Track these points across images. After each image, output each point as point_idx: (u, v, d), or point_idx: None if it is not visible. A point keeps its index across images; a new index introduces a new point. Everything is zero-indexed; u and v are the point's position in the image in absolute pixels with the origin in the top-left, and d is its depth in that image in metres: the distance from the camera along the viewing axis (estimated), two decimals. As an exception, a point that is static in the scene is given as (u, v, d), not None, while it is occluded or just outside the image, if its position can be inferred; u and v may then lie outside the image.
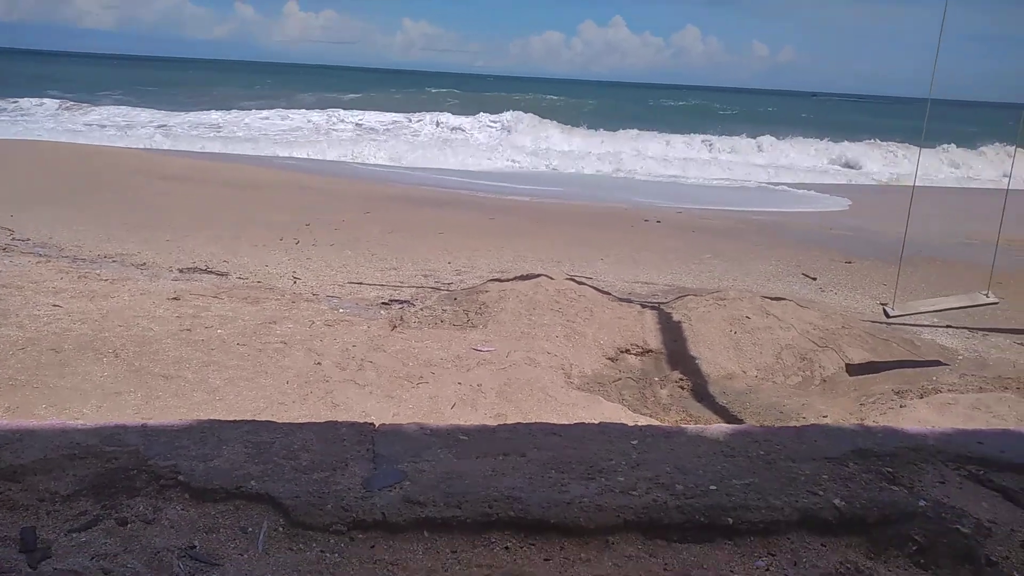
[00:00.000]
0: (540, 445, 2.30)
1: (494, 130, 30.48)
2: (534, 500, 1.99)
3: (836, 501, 2.07)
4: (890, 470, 2.28)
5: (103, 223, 9.39)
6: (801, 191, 20.36)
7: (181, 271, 7.27)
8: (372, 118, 32.70)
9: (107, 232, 8.87)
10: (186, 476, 2.02)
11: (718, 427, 2.53)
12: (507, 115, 31.92)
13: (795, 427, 2.56)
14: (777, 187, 21.21)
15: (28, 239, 8.20)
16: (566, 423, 2.53)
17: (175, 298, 6.15)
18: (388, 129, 30.54)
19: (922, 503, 2.12)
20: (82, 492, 1.98)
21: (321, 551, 1.85)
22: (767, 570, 1.91)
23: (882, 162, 26.73)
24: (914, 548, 1.99)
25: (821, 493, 2.10)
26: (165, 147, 22.33)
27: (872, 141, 29.86)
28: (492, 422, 4.28)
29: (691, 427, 2.48)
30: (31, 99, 31.71)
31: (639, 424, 2.49)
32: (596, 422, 2.52)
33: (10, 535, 1.82)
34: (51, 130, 24.11)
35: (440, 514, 1.94)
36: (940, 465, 2.35)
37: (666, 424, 4.45)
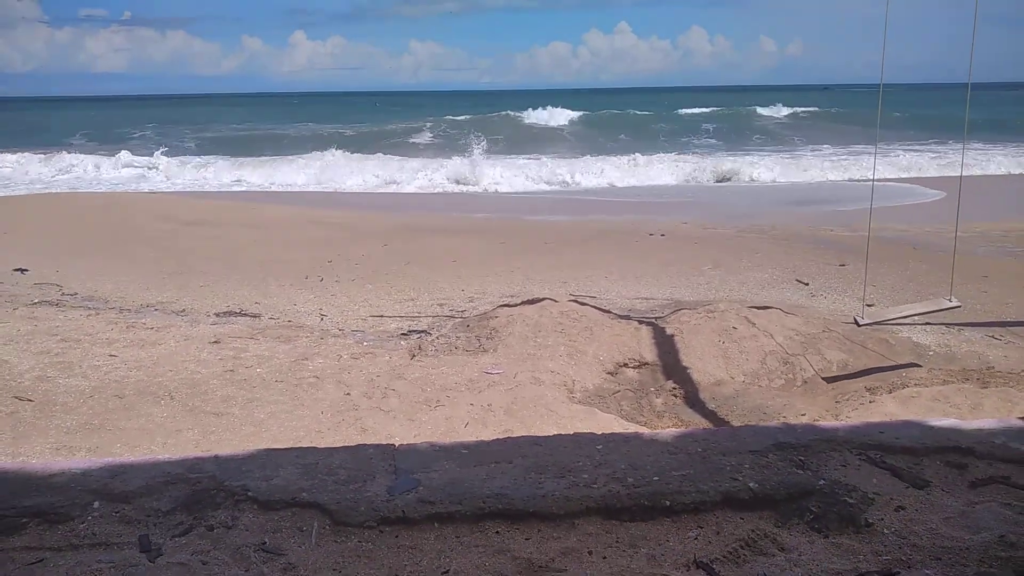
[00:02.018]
0: (525, 454, 2.92)
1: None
2: (518, 495, 2.62)
3: (751, 484, 2.67)
4: (802, 458, 2.88)
5: (140, 272, 10.14)
6: (899, 185, 21.82)
7: (218, 315, 7.97)
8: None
9: (145, 281, 9.61)
10: (254, 492, 2.66)
11: (668, 431, 3.14)
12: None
13: (732, 427, 3.17)
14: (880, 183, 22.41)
15: (76, 293, 8.95)
16: (549, 435, 3.15)
17: (216, 341, 6.84)
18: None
19: (821, 482, 2.72)
20: (177, 508, 2.63)
21: (359, 541, 2.49)
22: (696, 539, 2.52)
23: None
24: (811, 517, 2.58)
25: (741, 479, 2.71)
26: (183, 189, 23.27)
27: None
28: (500, 437, 4.90)
29: (646, 432, 3.08)
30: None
31: (606, 433, 3.10)
32: (571, 433, 3.14)
33: (130, 541, 2.47)
34: (74, 182, 25.08)
35: (446, 509, 2.57)
36: (845, 452, 2.95)
37: (645, 430, 5.05)
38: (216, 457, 2.95)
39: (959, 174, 6.69)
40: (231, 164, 27.09)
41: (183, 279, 9.74)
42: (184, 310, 8.22)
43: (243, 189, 23.33)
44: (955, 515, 2.58)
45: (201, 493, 2.71)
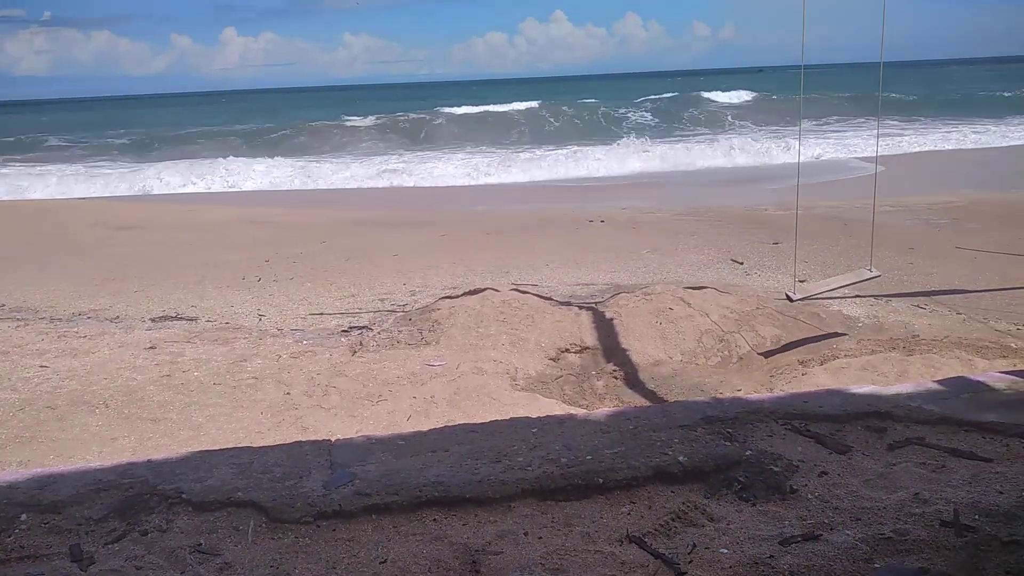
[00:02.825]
0: (461, 441, 2.96)
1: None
2: (454, 482, 2.65)
3: (681, 458, 2.75)
4: (729, 431, 2.97)
5: (71, 280, 9.86)
6: (838, 159, 23.07)
7: (153, 320, 7.81)
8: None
9: (77, 289, 9.35)
10: (188, 494, 2.65)
11: (602, 411, 3.21)
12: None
13: (662, 404, 3.24)
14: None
15: (3, 304, 8.67)
16: (485, 422, 3.19)
17: (151, 347, 6.71)
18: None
19: (748, 452, 2.81)
20: (110, 515, 2.59)
21: (296, 537, 2.49)
22: (629, 514, 2.58)
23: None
24: (739, 487, 2.67)
25: (671, 453, 2.79)
26: (117, 194, 22.67)
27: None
28: (437, 427, 4.93)
29: (580, 413, 3.14)
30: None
31: (541, 416, 3.15)
32: (508, 418, 3.19)
33: (61, 551, 2.44)
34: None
35: (383, 501, 2.59)
36: (771, 423, 3.05)
37: (579, 412, 5.13)
38: (149, 461, 2.92)
39: (891, 152, 6.86)
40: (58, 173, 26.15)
41: (117, 285, 9.51)
42: (118, 317, 8.04)
43: (181, 191, 22.84)
44: (874, 477, 2.70)
45: (134, 498, 2.68)
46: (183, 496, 2.65)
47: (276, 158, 27.40)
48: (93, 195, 22.56)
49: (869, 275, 6.57)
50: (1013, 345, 6.11)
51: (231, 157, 27.34)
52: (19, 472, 2.92)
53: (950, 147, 25.97)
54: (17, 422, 5.09)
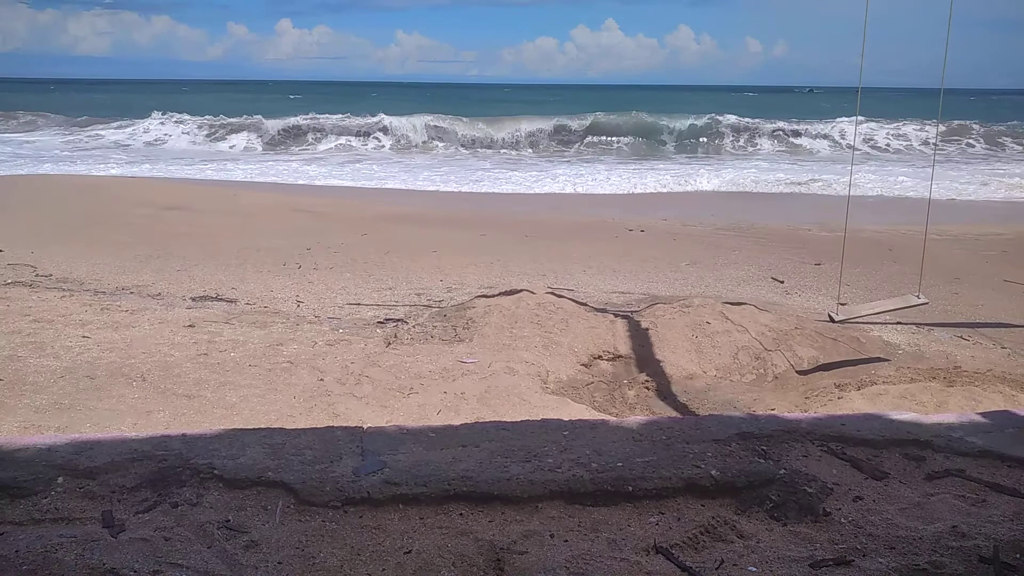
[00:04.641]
0: (492, 438, 2.95)
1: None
2: (483, 478, 2.65)
3: (713, 472, 2.72)
4: (764, 448, 2.93)
5: (116, 256, 10.06)
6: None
7: (193, 299, 7.93)
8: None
9: (121, 264, 9.54)
10: (220, 470, 2.67)
11: (634, 419, 3.18)
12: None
13: (696, 416, 3.21)
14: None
15: (50, 274, 8.86)
16: (516, 421, 3.18)
17: (190, 325, 6.81)
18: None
19: (782, 471, 2.77)
20: (142, 485, 2.63)
21: (323, 521, 2.51)
22: (657, 524, 2.56)
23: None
24: (771, 505, 2.63)
25: (703, 466, 2.75)
26: (162, 175, 23.05)
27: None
28: (468, 422, 4.92)
29: (612, 419, 3.12)
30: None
31: (573, 419, 3.13)
32: (539, 419, 3.17)
33: (93, 516, 2.48)
34: (54, 160, 24.77)
35: (411, 491, 2.59)
36: (807, 443, 3.00)
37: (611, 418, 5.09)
38: (183, 435, 2.96)
39: (933, 183, 6.73)
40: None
41: (160, 263, 9.67)
42: (160, 294, 8.17)
43: (221, 177, 23.17)
44: (911, 506, 2.64)
45: (167, 470, 2.71)
46: (215, 472, 2.68)
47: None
48: (141, 175, 22.95)
49: (916, 301, 6.45)
50: (1059, 384, 5.95)
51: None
52: (57, 437, 2.98)
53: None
54: (57, 389, 5.20)
